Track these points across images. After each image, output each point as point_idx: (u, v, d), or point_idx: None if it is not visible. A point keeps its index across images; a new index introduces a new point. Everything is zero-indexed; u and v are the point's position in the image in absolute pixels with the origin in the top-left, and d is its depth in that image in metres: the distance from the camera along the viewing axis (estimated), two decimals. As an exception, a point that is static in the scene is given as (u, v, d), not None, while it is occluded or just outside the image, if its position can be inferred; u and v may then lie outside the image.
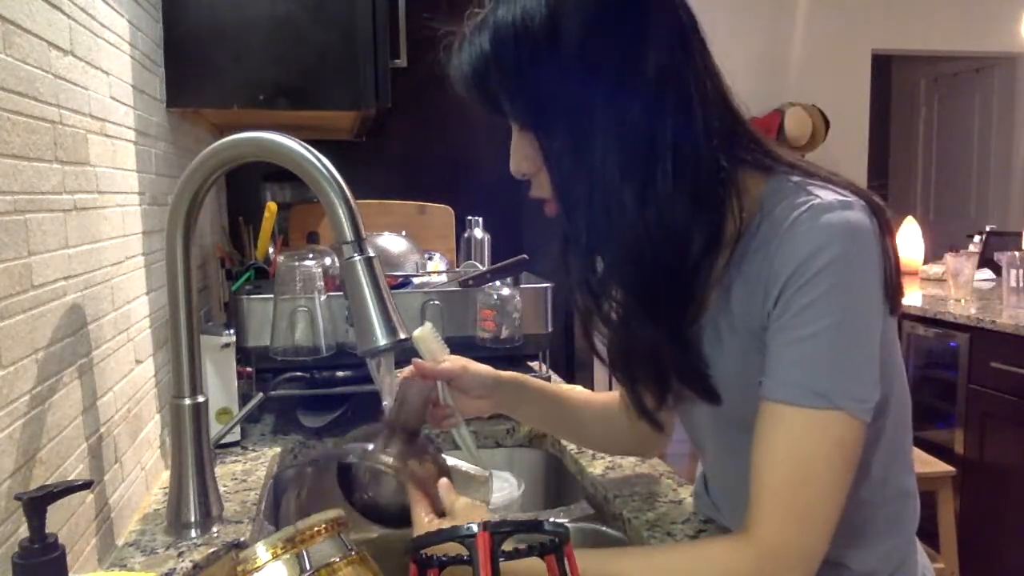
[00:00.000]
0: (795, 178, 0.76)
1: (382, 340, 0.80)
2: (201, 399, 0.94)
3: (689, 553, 0.79)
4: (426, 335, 0.95)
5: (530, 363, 1.61)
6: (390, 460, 0.80)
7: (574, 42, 0.72)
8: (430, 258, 1.82)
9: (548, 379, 1.56)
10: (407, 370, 0.95)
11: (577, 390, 1.11)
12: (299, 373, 1.41)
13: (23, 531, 0.63)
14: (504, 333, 1.48)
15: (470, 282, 1.49)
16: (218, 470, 1.11)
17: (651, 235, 0.73)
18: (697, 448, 0.97)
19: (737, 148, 0.78)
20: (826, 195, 0.73)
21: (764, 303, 0.74)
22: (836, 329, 0.71)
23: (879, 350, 0.74)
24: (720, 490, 0.96)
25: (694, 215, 0.74)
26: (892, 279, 0.75)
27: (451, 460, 0.94)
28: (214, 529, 0.96)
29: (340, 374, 1.42)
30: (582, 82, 0.73)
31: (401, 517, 0.82)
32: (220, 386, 1.25)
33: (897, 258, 0.76)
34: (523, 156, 0.79)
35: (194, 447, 0.94)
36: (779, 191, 0.75)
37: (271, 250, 1.73)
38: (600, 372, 3.98)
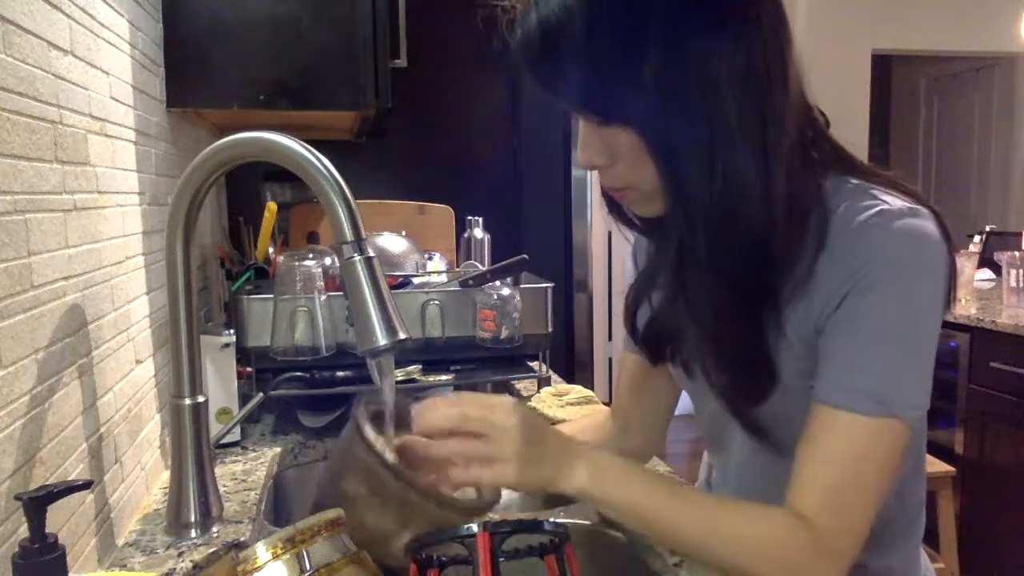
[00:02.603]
0: (854, 180, 0.75)
1: (382, 340, 0.80)
2: (201, 399, 0.94)
3: (751, 514, 0.76)
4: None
5: (530, 363, 1.61)
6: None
7: (678, 26, 0.67)
8: (430, 258, 1.82)
9: (548, 379, 1.56)
10: None
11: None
12: (299, 373, 1.41)
13: (23, 531, 0.63)
14: (504, 333, 1.48)
15: (470, 282, 1.49)
16: (218, 470, 1.11)
17: (772, 232, 0.71)
18: (712, 445, 0.96)
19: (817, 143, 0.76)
20: (894, 201, 0.72)
21: (824, 305, 0.72)
22: (901, 336, 0.71)
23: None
24: (729, 490, 0.96)
25: (801, 210, 0.72)
26: (948, 288, 0.74)
27: None
28: (214, 529, 0.96)
29: (340, 374, 1.42)
30: (693, 71, 0.67)
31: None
32: (220, 386, 1.25)
33: (955, 268, 0.75)
34: (596, 150, 0.74)
35: (194, 447, 0.94)
36: (839, 191, 0.74)
37: (271, 250, 1.73)
38: (600, 372, 3.97)
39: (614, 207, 0.85)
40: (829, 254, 0.72)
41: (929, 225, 0.71)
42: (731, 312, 0.74)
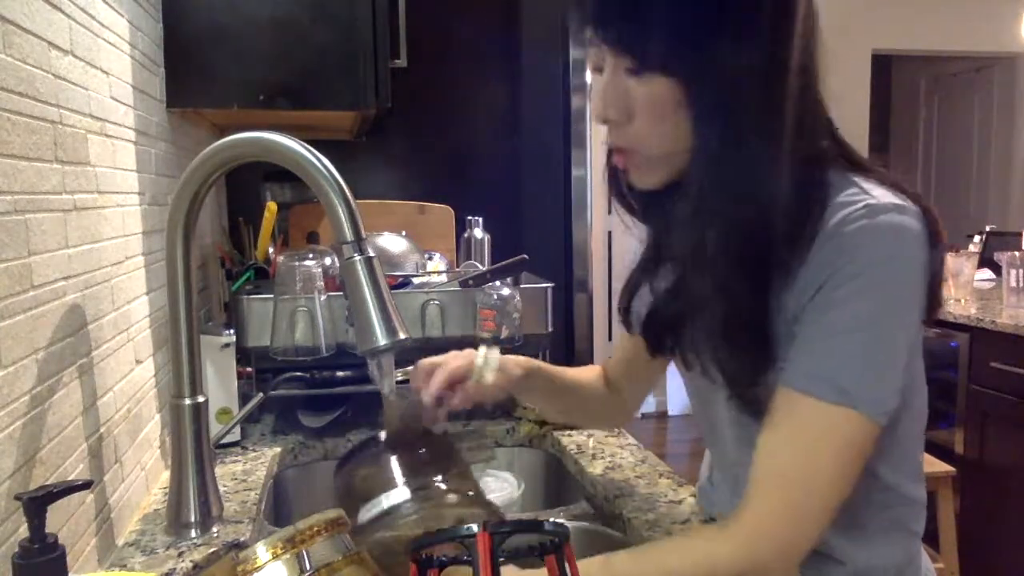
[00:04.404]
0: (852, 175, 0.75)
1: (382, 340, 0.80)
2: (201, 399, 0.94)
3: (676, 547, 0.79)
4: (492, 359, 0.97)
5: (530, 363, 1.61)
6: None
7: None
8: (430, 258, 1.81)
9: (548, 379, 1.56)
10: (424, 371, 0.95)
11: (570, 370, 1.12)
12: (299, 373, 1.41)
13: (23, 531, 0.63)
14: (504, 333, 1.48)
15: (470, 282, 1.49)
16: (218, 470, 1.11)
17: (777, 209, 0.72)
18: (709, 436, 0.96)
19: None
20: (881, 196, 0.72)
21: (803, 293, 0.73)
22: (871, 329, 0.71)
23: (907, 358, 0.74)
24: (728, 484, 0.96)
25: (811, 187, 0.73)
26: (933, 289, 0.74)
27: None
28: (214, 529, 0.96)
29: (340, 374, 1.42)
30: (743, 36, 0.71)
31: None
32: (220, 386, 1.25)
33: (941, 268, 0.75)
34: (612, 103, 0.75)
35: (194, 447, 0.94)
36: (836, 183, 0.75)
37: (271, 250, 1.73)
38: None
39: (615, 187, 0.86)
40: (818, 244, 0.73)
41: (912, 223, 0.71)
42: (735, 281, 0.75)
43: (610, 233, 5.42)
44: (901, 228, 0.71)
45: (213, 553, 0.90)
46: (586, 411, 1.13)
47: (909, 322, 0.74)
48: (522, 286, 1.52)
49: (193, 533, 0.94)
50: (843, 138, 0.81)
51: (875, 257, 0.70)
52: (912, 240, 0.71)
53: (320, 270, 1.39)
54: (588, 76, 2.43)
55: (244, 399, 1.27)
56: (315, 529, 0.65)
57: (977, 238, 3.61)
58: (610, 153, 0.83)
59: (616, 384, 1.09)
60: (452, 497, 0.78)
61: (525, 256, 1.48)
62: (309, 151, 0.82)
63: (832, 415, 0.71)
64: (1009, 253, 2.77)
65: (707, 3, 0.70)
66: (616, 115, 0.75)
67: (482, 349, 0.97)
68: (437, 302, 1.47)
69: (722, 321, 0.78)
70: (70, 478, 0.78)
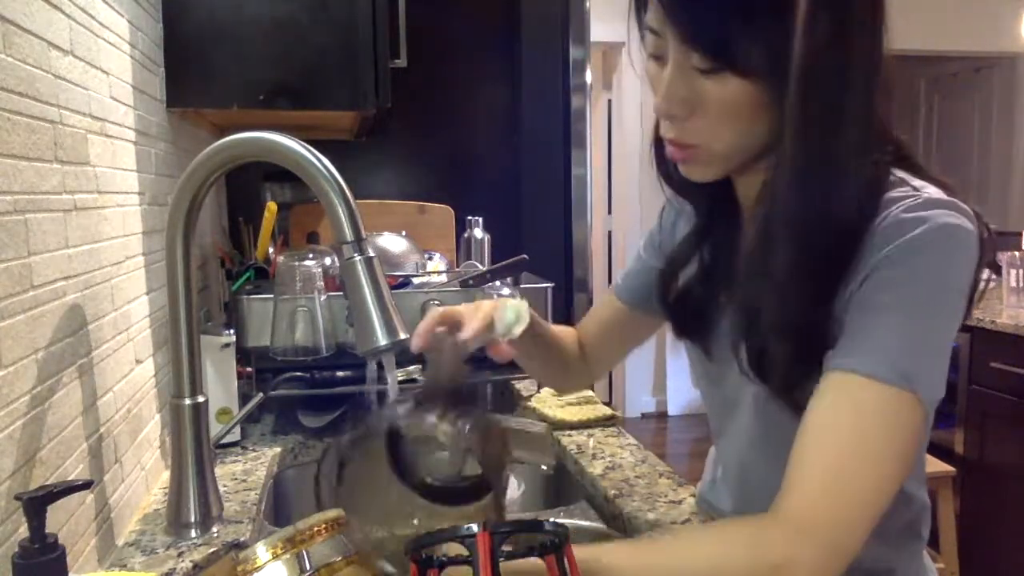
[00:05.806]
0: (900, 173, 0.75)
1: (382, 340, 0.80)
2: (201, 399, 0.94)
3: (716, 541, 0.71)
4: (522, 310, 0.84)
5: (530, 363, 1.61)
6: (447, 428, 0.69)
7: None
8: (430, 258, 1.81)
9: (548, 379, 1.56)
10: (432, 321, 0.81)
11: (554, 328, 1.07)
12: (299, 373, 1.41)
13: (23, 531, 0.63)
14: (504, 333, 1.47)
15: (470, 282, 1.49)
16: (218, 470, 1.11)
17: (852, 212, 0.70)
18: (717, 434, 0.95)
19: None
20: (935, 192, 0.71)
21: (853, 281, 0.70)
22: (926, 315, 0.69)
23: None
24: (732, 487, 0.94)
25: (875, 189, 0.72)
26: (971, 297, 0.73)
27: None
28: (214, 529, 0.96)
29: (340, 374, 1.42)
30: (836, 43, 0.69)
31: (466, 492, 0.72)
32: (220, 386, 1.25)
33: (979, 271, 0.74)
34: (679, 100, 0.69)
35: (194, 447, 0.94)
36: (889, 180, 0.74)
37: (271, 250, 1.73)
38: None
39: (663, 168, 0.84)
40: (870, 233, 0.71)
41: (965, 220, 0.70)
42: (799, 290, 0.72)
43: (610, 233, 5.42)
44: (955, 221, 0.69)
45: (213, 553, 0.90)
46: (554, 373, 1.08)
47: (957, 315, 0.71)
48: (522, 286, 1.52)
49: (193, 533, 0.94)
50: (899, 137, 0.80)
51: (933, 246, 0.68)
52: (966, 237, 0.70)
53: (320, 270, 1.39)
54: (588, 76, 2.43)
55: (244, 399, 1.27)
56: (315, 529, 0.65)
57: (977, 238, 3.60)
58: (658, 141, 0.80)
59: (587, 350, 1.06)
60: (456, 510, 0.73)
61: (525, 256, 1.48)
62: (309, 151, 0.82)
63: (889, 397, 0.67)
64: (1009, 253, 2.77)
65: (796, 15, 0.65)
66: (680, 111, 0.70)
67: (509, 301, 0.84)
68: (437, 302, 1.47)
69: (776, 323, 0.73)
70: (70, 478, 0.78)
